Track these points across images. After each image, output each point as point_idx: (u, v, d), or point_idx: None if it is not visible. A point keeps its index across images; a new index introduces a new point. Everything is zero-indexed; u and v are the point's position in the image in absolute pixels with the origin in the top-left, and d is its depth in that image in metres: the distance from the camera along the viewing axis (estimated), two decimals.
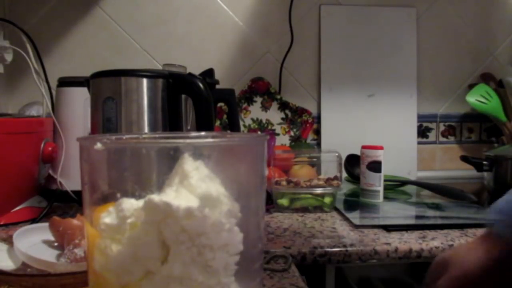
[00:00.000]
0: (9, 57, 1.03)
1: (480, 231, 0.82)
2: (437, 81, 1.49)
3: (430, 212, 0.97)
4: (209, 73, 0.98)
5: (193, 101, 0.80)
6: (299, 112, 1.40)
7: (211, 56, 1.38)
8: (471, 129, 1.52)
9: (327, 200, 0.97)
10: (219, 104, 1.09)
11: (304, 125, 1.41)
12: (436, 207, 1.01)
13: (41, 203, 0.93)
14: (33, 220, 0.86)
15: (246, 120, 1.39)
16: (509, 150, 1.21)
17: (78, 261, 0.56)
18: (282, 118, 1.41)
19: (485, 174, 1.22)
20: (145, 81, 0.81)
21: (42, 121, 0.95)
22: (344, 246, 0.74)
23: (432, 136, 1.50)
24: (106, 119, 0.81)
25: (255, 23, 1.39)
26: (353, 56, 1.42)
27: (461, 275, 0.48)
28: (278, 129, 1.40)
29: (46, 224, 0.65)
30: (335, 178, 1.01)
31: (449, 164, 1.50)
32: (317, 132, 1.42)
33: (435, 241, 0.76)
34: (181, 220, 0.29)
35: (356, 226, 0.85)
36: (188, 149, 0.32)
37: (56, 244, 0.64)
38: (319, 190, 0.97)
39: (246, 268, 0.32)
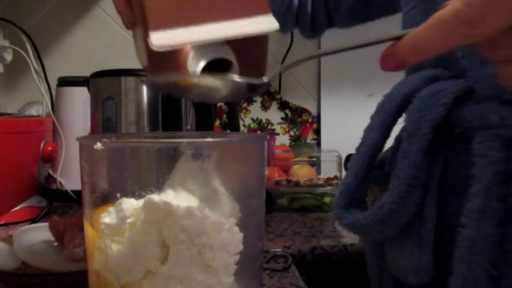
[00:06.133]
0: (9, 56, 1.02)
1: None
2: None
3: None
4: None
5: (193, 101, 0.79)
6: (299, 111, 1.40)
7: None
8: None
9: (327, 200, 0.97)
10: (219, 104, 1.09)
11: (304, 124, 1.41)
12: None
13: (41, 202, 0.93)
14: (33, 220, 0.85)
15: (246, 119, 1.39)
16: None
17: (78, 261, 0.56)
18: (282, 118, 1.41)
19: None
20: None
21: (42, 121, 0.94)
22: (344, 246, 0.74)
23: None
24: (106, 119, 0.81)
25: None
26: (353, 55, 1.41)
27: None
28: (278, 128, 1.40)
29: (46, 224, 0.65)
30: (335, 178, 1.01)
31: None
32: (317, 132, 1.42)
33: None
34: (181, 220, 0.29)
35: None
36: (188, 149, 0.32)
37: (56, 244, 0.64)
38: (319, 190, 0.97)
39: (246, 268, 0.32)
